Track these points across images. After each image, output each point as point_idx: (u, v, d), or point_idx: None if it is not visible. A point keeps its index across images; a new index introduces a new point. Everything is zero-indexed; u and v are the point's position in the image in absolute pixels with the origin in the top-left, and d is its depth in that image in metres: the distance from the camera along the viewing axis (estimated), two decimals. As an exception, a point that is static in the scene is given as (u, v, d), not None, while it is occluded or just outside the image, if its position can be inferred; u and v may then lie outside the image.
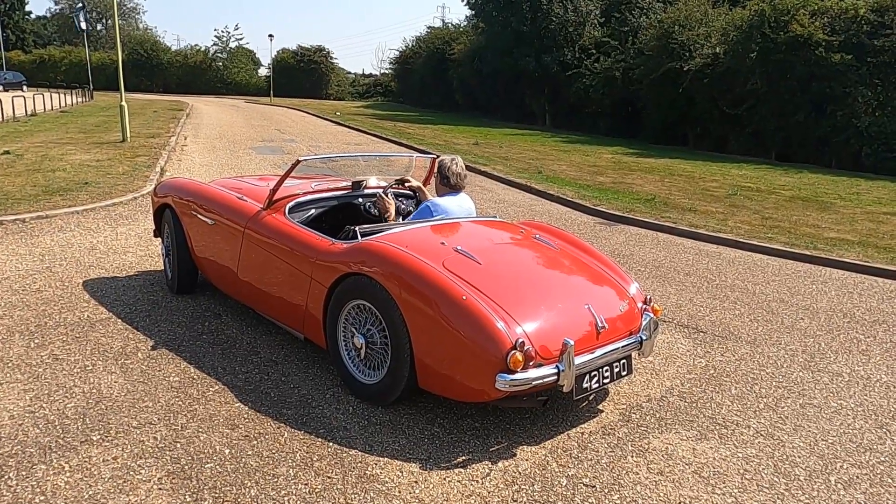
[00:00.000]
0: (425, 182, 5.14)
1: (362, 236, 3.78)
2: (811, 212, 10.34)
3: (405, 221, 4.33)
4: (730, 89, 19.87)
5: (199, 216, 4.83)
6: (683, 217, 9.30)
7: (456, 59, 35.00)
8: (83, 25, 35.02)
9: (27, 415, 3.28)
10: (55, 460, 2.93)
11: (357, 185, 4.85)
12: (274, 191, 4.43)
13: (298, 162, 4.41)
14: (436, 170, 4.46)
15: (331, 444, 3.18)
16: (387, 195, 4.54)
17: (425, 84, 40.25)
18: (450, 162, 4.36)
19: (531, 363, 3.09)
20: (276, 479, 2.88)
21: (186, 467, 2.93)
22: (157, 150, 13.41)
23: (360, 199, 4.82)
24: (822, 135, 18.18)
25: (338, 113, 30.03)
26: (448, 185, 4.36)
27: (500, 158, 15.41)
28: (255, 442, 3.16)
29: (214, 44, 57.71)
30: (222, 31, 61.99)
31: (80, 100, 32.27)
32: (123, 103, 15.25)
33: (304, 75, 52.59)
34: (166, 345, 4.21)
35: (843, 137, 17.66)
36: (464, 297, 3.19)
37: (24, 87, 37.85)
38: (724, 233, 8.43)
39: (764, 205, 10.75)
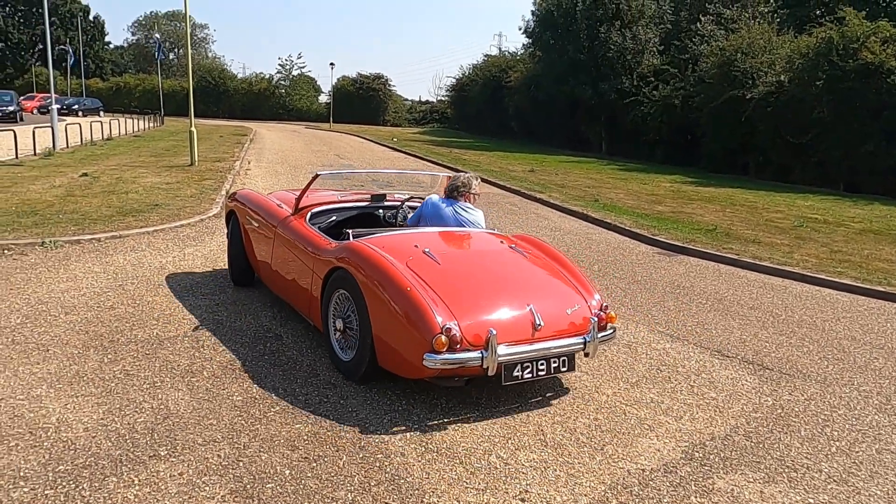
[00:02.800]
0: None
1: (353, 238, 4.46)
2: (884, 246, 9.89)
3: (404, 224, 5.34)
4: (794, 118, 19.32)
5: (251, 220, 5.79)
6: (747, 248, 9.03)
7: (512, 86, 35.27)
8: (157, 55, 37.35)
9: (100, 428, 3.42)
10: (125, 473, 3.03)
11: (377, 197, 5.71)
12: (298, 200, 5.33)
13: (317, 176, 5.32)
14: None
15: (388, 469, 3.20)
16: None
17: (481, 111, 40.64)
18: (455, 177, 5.17)
19: (457, 347, 3.57)
20: None
21: (248, 486, 2.99)
22: (222, 174, 13.92)
23: (381, 211, 5.72)
24: (893, 165, 17.44)
25: (395, 139, 30.56)
26: (446, 192, 5.15)
27: (556, 186, 15.36)
28: (314, 464, 3.21)
29: (278, 71, 59.82)
30: (286, 60, 63.97)
31: (151, 125, 33.86)
32: (193, 129, 15.92)
33: (362, 102, 53.92)
34: (230, 364, 4.33)
35: (917, 169, 16.91)
36: (408, 289, 3.77)
37: (101, 113, 39.96)
38: (790, 266, 8.14)
39: (832, 237, 10.35)
